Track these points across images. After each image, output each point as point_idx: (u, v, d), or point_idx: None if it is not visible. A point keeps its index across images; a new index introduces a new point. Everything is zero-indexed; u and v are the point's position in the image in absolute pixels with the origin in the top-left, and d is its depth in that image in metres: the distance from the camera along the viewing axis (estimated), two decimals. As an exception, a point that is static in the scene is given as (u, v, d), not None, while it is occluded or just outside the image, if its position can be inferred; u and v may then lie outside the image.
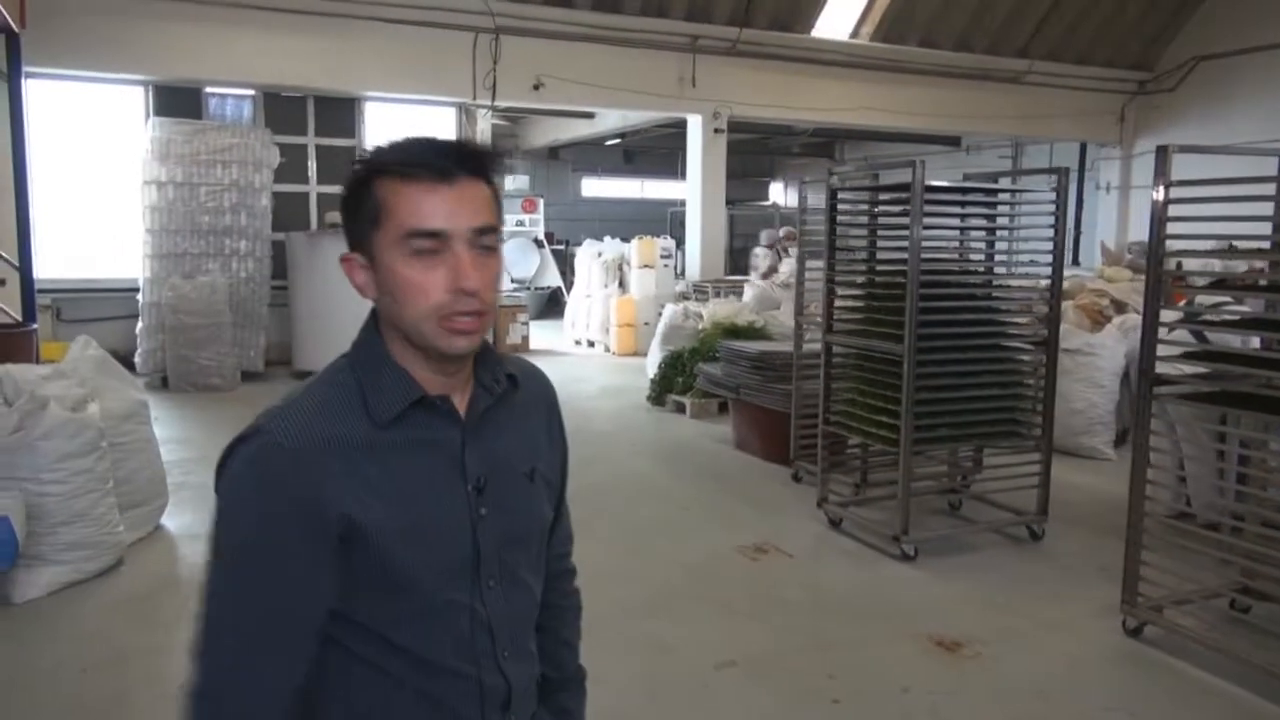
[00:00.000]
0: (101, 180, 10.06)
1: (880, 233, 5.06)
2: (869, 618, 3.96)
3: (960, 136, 17.09)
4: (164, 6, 9.29)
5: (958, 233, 5.03)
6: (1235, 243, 3.63)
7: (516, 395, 1.31)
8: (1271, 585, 3.72)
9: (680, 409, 8.04)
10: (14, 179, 7.58)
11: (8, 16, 7.04)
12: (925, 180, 4.36)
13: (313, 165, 10.75)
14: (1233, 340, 4.12)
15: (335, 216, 9.71)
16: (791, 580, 4.40)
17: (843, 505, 5.16)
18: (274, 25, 9.61)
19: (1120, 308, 7.28)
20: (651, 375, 8.62)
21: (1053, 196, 4.72)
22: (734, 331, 8.09)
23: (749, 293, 9.93)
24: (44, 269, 9.70)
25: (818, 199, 5.68)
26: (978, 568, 4.53)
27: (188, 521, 5.06)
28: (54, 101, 9.74)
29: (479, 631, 1.22)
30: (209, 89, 10.15)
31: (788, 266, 10.93)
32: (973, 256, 5.16)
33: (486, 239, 1.16)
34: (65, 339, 8.98)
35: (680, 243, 12.93)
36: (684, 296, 10.94)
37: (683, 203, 15.70)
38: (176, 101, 9.99)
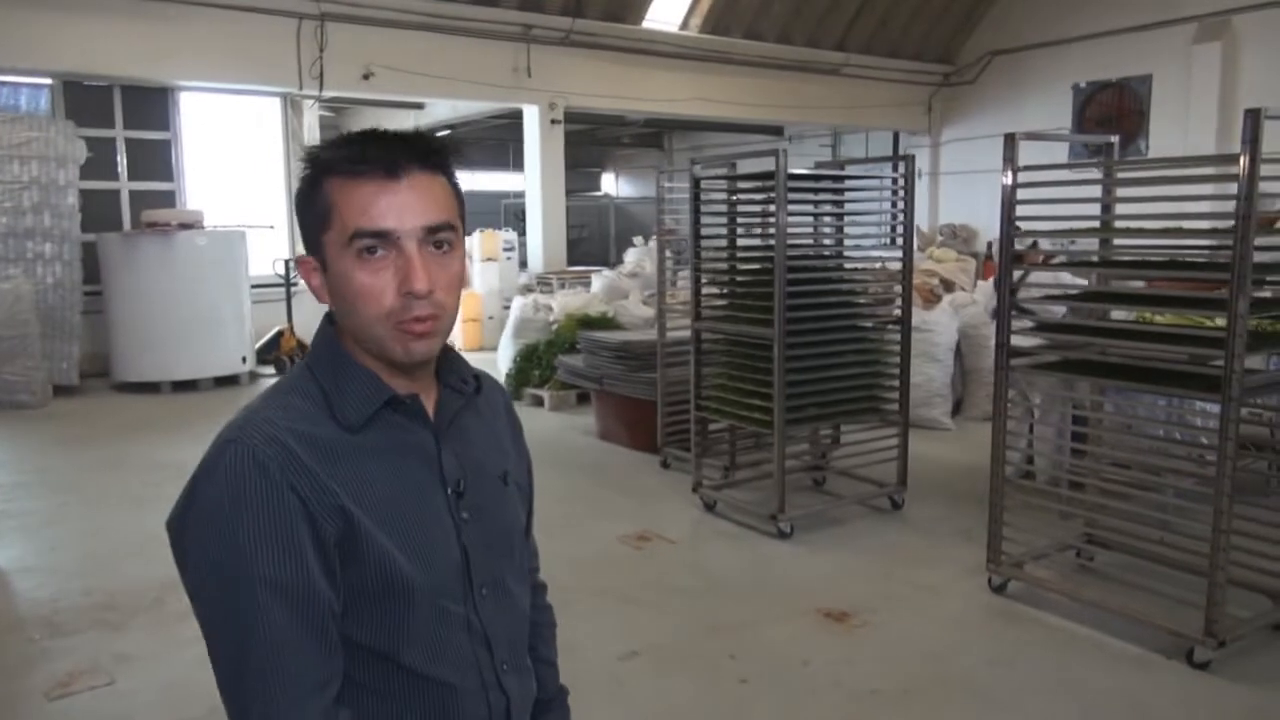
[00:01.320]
0: None
1: (741, 220, 5.20)
2: (758, 596, 4.07)
3: (783, 126, 17.76)
4: (-62, -17, 8.33)
5: (814, 219, 5.23)
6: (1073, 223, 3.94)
7: (479, 399, 1.28)
8: (1112, 535, 4.09)
9: (539, 402, 7.99)
10: None
11: None
12: (787, 169, 4.51)
13: (123, 160, 9.94)
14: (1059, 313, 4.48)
15: (151, 215, 9.06)
16: (678, 566, 4.46)
17: (715, 489, 5.28)
18: (74, 6, 8.76)
19: (949, 286, 7.79)
20: (505, 370, 8.51)
21: (901, 182, 4.98)
22: (587, 322, 8.10)
23: (597, 283, 9.97)
24: None
25: (646, 188, 5.75)
26: (849, 539, 4.74)
27: (17, 554, 4.60)
28: None
29: (477, 645, 1.19)
30: (-3, 77, 9.19)
31: (632, 257, 11.06)
32: (825, 241, 5.38)
33: (442, 236, 1.11)
34: None
35: (521, 234, 12.81)
36: (529, 289, 10.86)
37: (516, 194, 15.57)
38: (-46, 90, 8.98)
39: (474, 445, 1.24)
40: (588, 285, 10.24)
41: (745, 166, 5.17)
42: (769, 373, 4.61)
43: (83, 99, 9.58)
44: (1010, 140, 3.75)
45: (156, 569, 4.38)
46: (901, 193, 4.98)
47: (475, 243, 11.76)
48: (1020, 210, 3.79)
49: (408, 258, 1.07)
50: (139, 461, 6.33)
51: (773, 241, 4.64)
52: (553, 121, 12.01)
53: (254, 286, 9.64)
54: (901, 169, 5.01)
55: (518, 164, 13.97)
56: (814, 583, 4.20)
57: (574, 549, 4.63)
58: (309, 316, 10.86)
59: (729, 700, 3.23)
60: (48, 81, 9.39)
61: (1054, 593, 3.89)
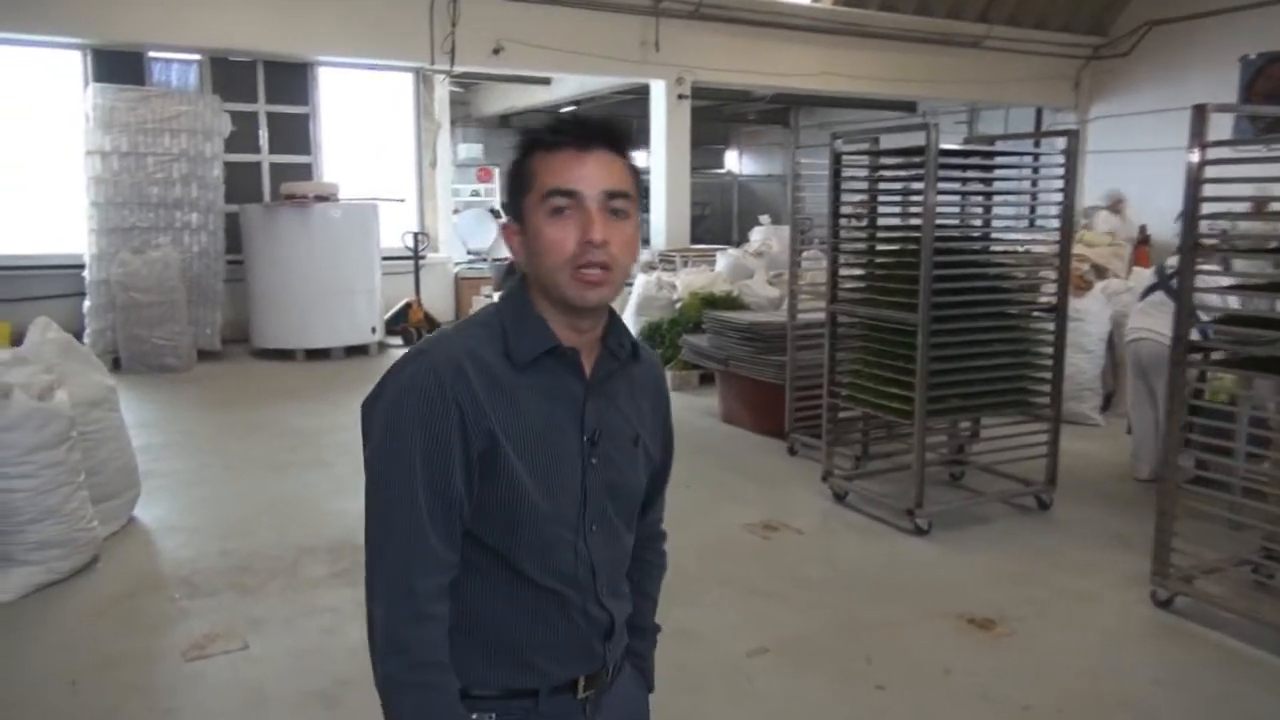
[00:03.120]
0: (37, 151, 9.45)
1: (883, 199, 4.93)
2: (894, 595, 3.86)
3: (916, 102, 17.08)
4: (100, -37, 8.72)
5: (965, 198, 4.91)
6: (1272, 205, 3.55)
7: (635, 369, 1.42)
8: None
9: (660, 382, 7.86)
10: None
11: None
12: (939, 144, 4.22)
13: (264, 134, 10.27)
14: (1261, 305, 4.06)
15: (290, 187, 9.33)
16: (808, 558, 4.28)
17: (846, 479, 5.06)
18: (222, -15, 9.09)
19: (1101, 272, 7.28)
20: (627, 348, 8.41)
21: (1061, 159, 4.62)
22: (711, 302, 7.93)
23: (721, 262, 9.77)
24: (-16, 246, 9.17)
25: (770, 165, 5.51)
26: (993, 540, 4.46)
27: (162, 513, 4.77)
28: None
29: (582, 568, 1.35)
30: (152, 53, 9.59)
31: (758, 236, 10.81)
32: (974, 222, 5.06)
33: (617, 203, 1.27)
34: (3, 319, 8.50)
35: (644, 211, 12.69)
36: (652, 266, 10.75)
37: (643, 172, 15.44)
38: (117, 66, 9.41)
39: (617, 405, 1.38)
40: (711, 264, 10.05)
41: (888, 142, 4.90)
42: (910, 360, 4.35)
43: (228, 75, 9.92)
44: (1200, 113, 3.39)
45: (292, 534, 4.47)
46: (1060, 170, 4.62)
47: (598, 219, 11.69)
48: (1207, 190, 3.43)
49: (588, 214, 1.25)
50: (275, 427, 6.52)
51: (918, 221, 4.37)
52: (679, 96, 11.84)
53: (384, 259, 9.84)
54: (1063, 144, 4.65)
55: (642, 141, 13.87)
56: (955, 584, 3.95)
57: (699, 536, 4.50)
58: (436, 289, 11.11)
59: (865, 707, 3.04)
60: (197, 58, 9.76)
61: (1227, 611, 3.54)
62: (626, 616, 1.45)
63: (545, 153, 1.27)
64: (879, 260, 4.84)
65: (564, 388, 1.32)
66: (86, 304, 8.73)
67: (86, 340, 8.72)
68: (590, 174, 1.25)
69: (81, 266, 8.84)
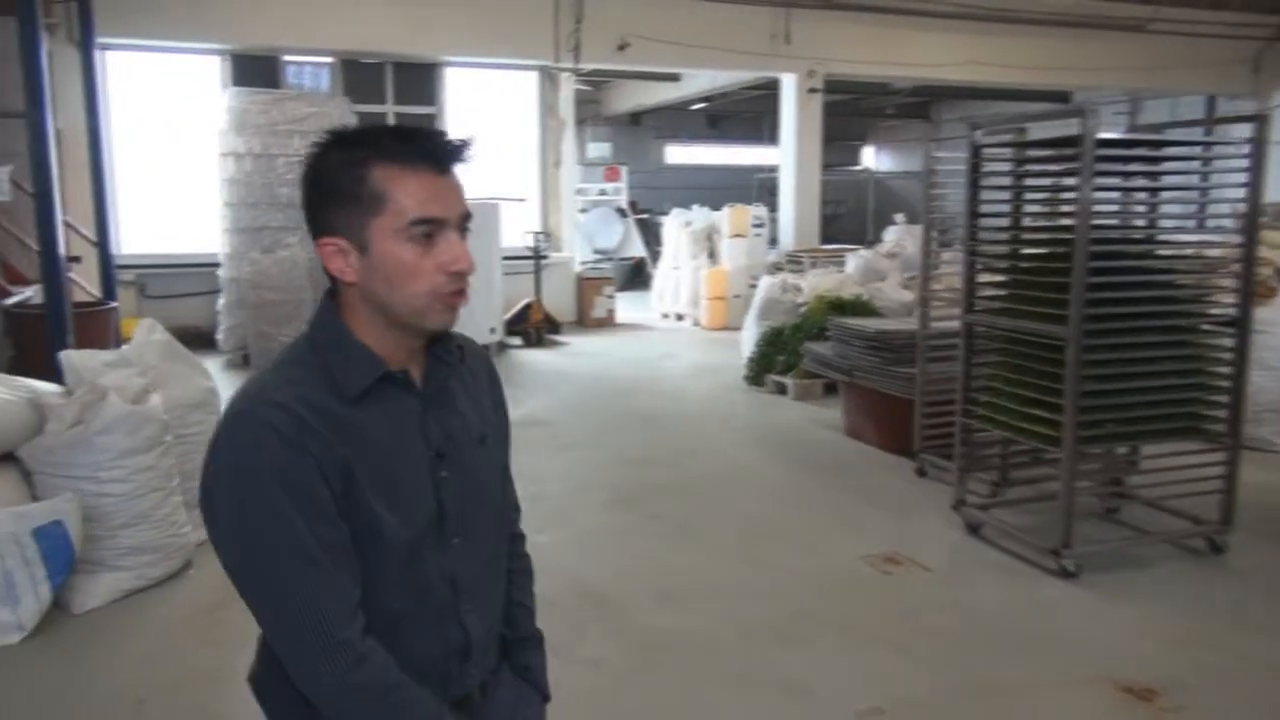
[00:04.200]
0: (182, 153, 9.84)
1: (1029, 195, 4.39)
2: (1035, 652, 3.35)
3: (1069, 92, 15.94)
4: (239, -29, 8.97)
5: (1127, 195, 4.32)
6: None
7: (463, 366, 1.38)
8: None
9: (781, 390, 7.45)
10: (89, 153, 7.34)
11: (77, -18, 6.75)
12: (1097, 133, 3.68)
13: (391, 134, 10.37)
14: None
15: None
16: (934, 601, 3.81)
17: (981, 508, 4.54)
18: (353, -13, 9.22)
19: (1287, 278, 6.42)
20: (748, 353, 8.04)
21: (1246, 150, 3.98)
22: (839, 306, 7.45)
23: (852, 263, 9.24)
24: (129, 245, 9.60)
25: (909, 161, 5.00)
26: (1155, 589, 3.86)
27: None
28: (135, 72, 9.54)
29: (443, 585, 1.31)
30: (287, 57, 9.83)
31: (892, 236, 10.21)
32: (1136, 222, 4.45)
33: (468, 223, 1.26)
34: (149, 315, 8.84)
35: (773, 210, 12.24)
36: (778, 267, 10.32)
37: (770, 169, 14.98)
38: (254, 71, 9.70)
39: (456, 410, 1.35)
40: (841, 265, 9.54)
41: (1037, 134, 4.36)
42: (1058, 378, 3.82)
43: (358, 76, 10.07)
44: None
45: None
46: (1242, 162, 3.97)
47: (724, 218, 11.36)
48: None
49: (452, 243, 1.22)
50: None
51: (1070, 221, 3.83)
52: (810, 90, 11.36)
53: (505, 259, 9.76)
54: (1244, 132, 4.00)
55: (772, 138, 13.42)
56: (1108, 641, 3.41)
57: (810, 565, 4.10)
58: (557, 290, 11.00)
59: (997, 792, 2.59)
60: (329, 60, 9.94)
61: None
62: (493, 633, 1.44)
63: (394, 169, 1.19)
64: (1022, 265, 4.31)
65: (400, 407, 1.27)
66: (220, 301, 9.00)
67: (220, 336, 8.99)
68: (451, 199, 1.22)
69: (217, 265, 9.13)
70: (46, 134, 5.10)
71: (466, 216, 1.24)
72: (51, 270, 5.27)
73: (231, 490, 1.17)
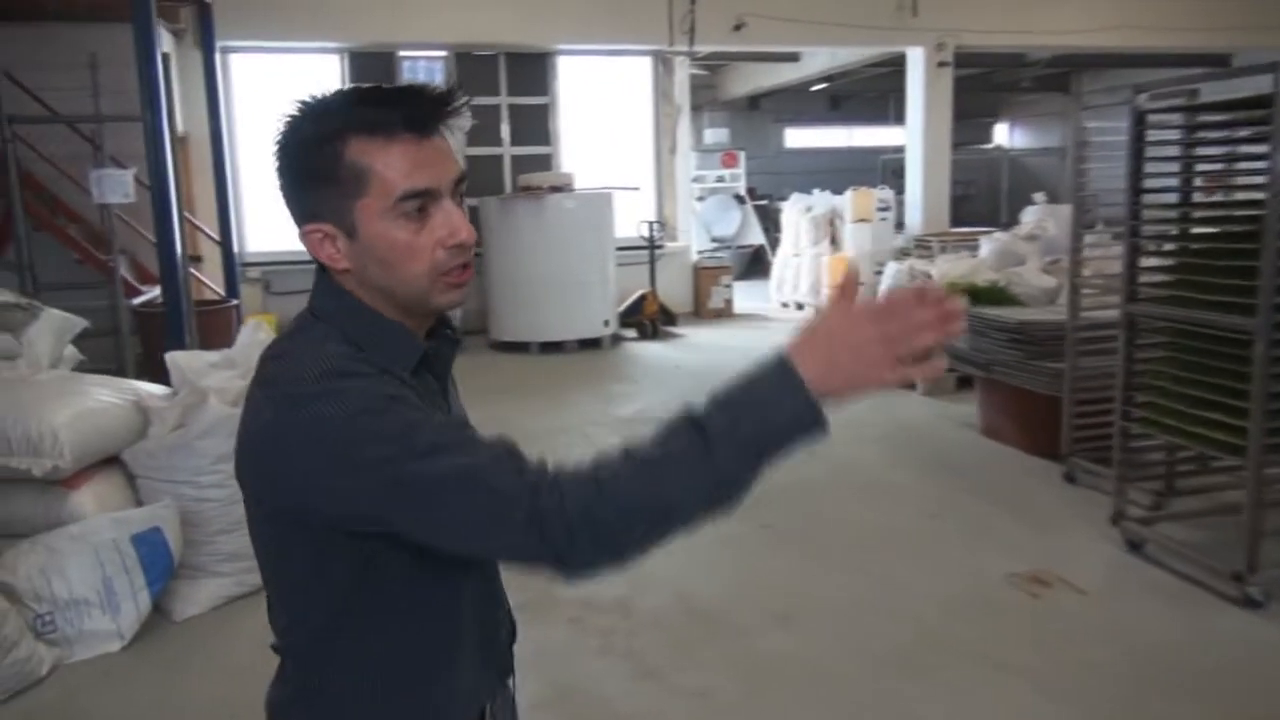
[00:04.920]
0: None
1: (1203, 168, 3.84)
2: (1212, 694, 2.88)
3: (1230, 55, 14.60)
4: (356, -31, 9.04)
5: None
6: None
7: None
8: None
9: (909, 384, 6.97)
10: (211, 154, 7.49)
11: (198, -14, 6.86)
12: (1291, 89, 3.14)
13: (506, 127, 10.31)
14: None
15: (525, 179, 9.26)
16: (1090, 629, 3.35)
17: (1144, 522, 4.02)
18: (466, -21, 9.17)
19: None
20: (873, 345, 7.57)
21: None
22: (973, 294, 6.90)
23: (986, 247, 8.62)
24: (255, 243, 9.84)
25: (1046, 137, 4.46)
26: (1361, 623, 3.31)
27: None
28: (260, 73, 9.75)
29: (494, 578, 1.27)
30: (402, 53, 9.88)
31: (1031, 217, 9.50)
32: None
33: (461, 186, 1.11)
34: (275, 311, 9.03)
35: (899, 193, 11.64)
36: (905, 253, 9.76)
37: (895, 150, 14.30)
38: (371, 68, 9.78)
39: (456, 391, 1.30)
40: (974, 249, 8.92)
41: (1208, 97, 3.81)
42: (1242, 377, 3.30)
43: (472, 69, 10.03)
44: None
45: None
46: None
47: (846, 202, 10.85)
48: None
49: (448, 212, 1.08)
50: (512, 428, 6.17)
51: (1257, 195, 3.30)
52: (940, 64, 10.71)
53: (619, 249, 9.55)
54: None
55: (898, 117, 12.77)
56: (1307, 688, 2.91)
57: (944, 586, 3.69)
58: (673, 280, 10.73)
59: None
60: (443, 54, 9.93)
61: None
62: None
63: (373, 141, 1.04)
64: (1194, 247, 3.77)
65: (428, 389, 1.16)
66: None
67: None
68: (441, 165, 1.07)
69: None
70: (162, 137, 5.15)
71: (461, 179, 1.10)
72: (169, 270, 5.33)
73: (343, 431, 0.99)
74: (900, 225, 11.31)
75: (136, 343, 6.53)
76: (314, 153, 1.05)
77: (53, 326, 4.67)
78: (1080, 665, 3.10)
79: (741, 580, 3.86)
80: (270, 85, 9.75)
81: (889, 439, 5.84)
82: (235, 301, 7.44)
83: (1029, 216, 9.52)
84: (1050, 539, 4.13)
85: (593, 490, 0.94)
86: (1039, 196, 9.83)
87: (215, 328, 6.73)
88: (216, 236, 7.70)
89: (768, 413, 0.93)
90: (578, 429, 6.21)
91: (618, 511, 0.93)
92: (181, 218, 5.63)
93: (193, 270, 7.16)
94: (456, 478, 0.97)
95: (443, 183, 1.07)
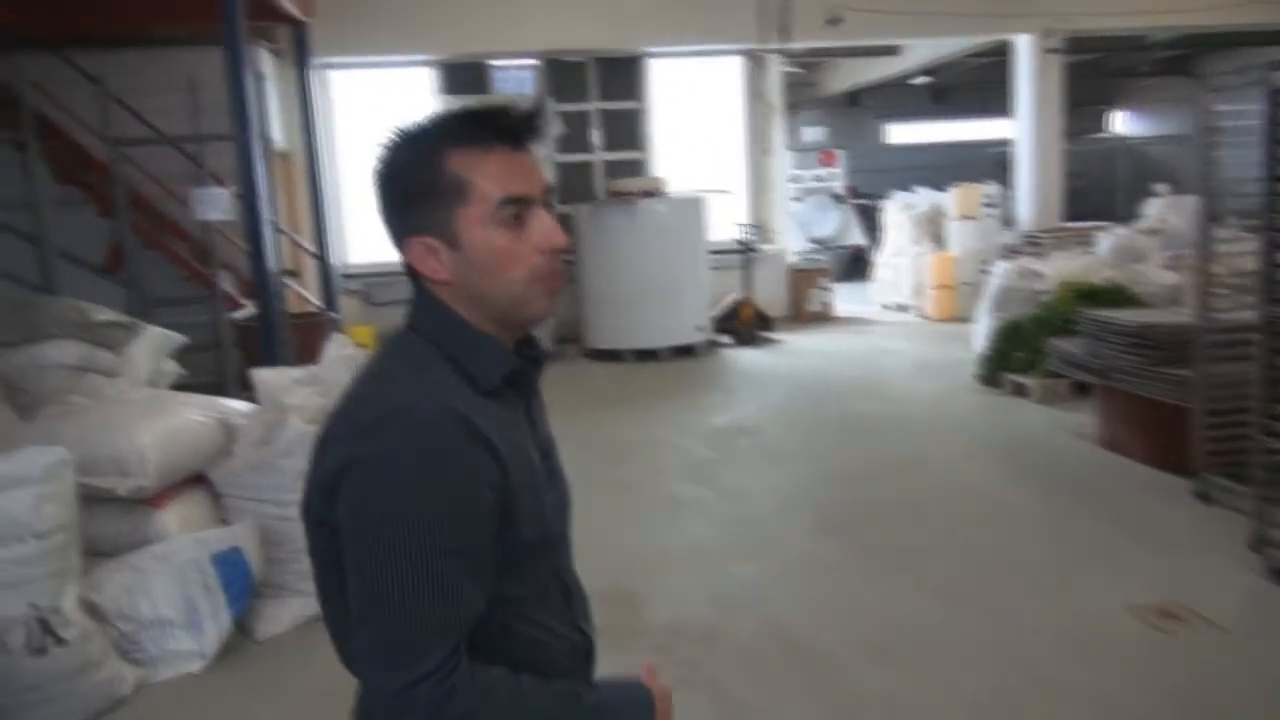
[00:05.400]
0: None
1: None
2: (1381, 756, 2.53)
3: (1376, 28, 13.46)
4: (447, -16, 9.12)
5: None
6: None
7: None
8: None
9: (1020, 391, 6.57)
10: (307, 167, 7.63)
11: (292, 8, 6.99)
12: None
13: (596, 133, 10.23)
14: None
15: (616, 185, 9.15)
16: (1228, 672, 3.00)
17: (1289, 546, 3.62)
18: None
19: None
20: (981, 348, 7.19)
21: None
22: (1089, 294, 6.47)
23: (1103, 243, 8.10)
24: (356, 255, 10.02)
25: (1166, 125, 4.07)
26: None
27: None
28: (358, 88, 9.94)
29: (567, 595, 1.28)
30: (493, 62, 9.92)
31: (1153, 210, 8.91)
32: None
33: (550, 198, 1.20)
34: (375, 321, 9.17)
35: (1006, 188, 11.11)
36: (1014, 251, 9.28)
37: (1002, 143, 13.69)
38: (463, 78, 9.86)
39: (542, 413, 1.30)
40: (1089, 245, 8.40)
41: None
42: (1406, 389, 2.91)
43: (562, 76, 10.00)
44: None
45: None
46: None
47: (950, 199, 10.41)
48: None
49: (543, 219, 1.16)
50: (604, 440, 6.06)
51: None
52: (1049, 51, 10.17)
53: (713, 253, 9.36)
54: None
55: (1004, 108, 12.21)
56: None
57: (1060, 619, 3.39)
58: (768, 283, 10.47)
59: None
60: (533, 62, 9.92)
61: None
62: None
63: (471, 153, 1.13)
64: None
65: (514, 404, 1.21)
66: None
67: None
68: (533, 175, 1.16)
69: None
70: (252, 154, 5.22)
71: (549, 190, 1.19)
72: (261, 284, 5.40)
73: (391, 484, 1.06)
74: (1008, 222, 10.79)
75: (238, 355, 6.68)
76: (416, 169, 1.13)
77: (152, 343, 4.78)
78: (1219, 713, 2.77)
79: (838, 608, 3.63)
80: (368, 100, 9.93)
81: (999, 450, 5.50)
82: (332, 314, 7.54)
83: (1150, 209, 8.94)
84: (1181, 566, 3.76)
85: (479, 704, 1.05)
86: (1161, 188, 9.22)
87: (312, 339, 6.82)
88: (315, 250, 7.83)
89: None
90: (670, 441, 6.04)
91: None
92: (275, 232, 5.71)
93: (291, 283, 7.29)
94: (415, 601, 1.05)
95: (535, 191, 1.15)
